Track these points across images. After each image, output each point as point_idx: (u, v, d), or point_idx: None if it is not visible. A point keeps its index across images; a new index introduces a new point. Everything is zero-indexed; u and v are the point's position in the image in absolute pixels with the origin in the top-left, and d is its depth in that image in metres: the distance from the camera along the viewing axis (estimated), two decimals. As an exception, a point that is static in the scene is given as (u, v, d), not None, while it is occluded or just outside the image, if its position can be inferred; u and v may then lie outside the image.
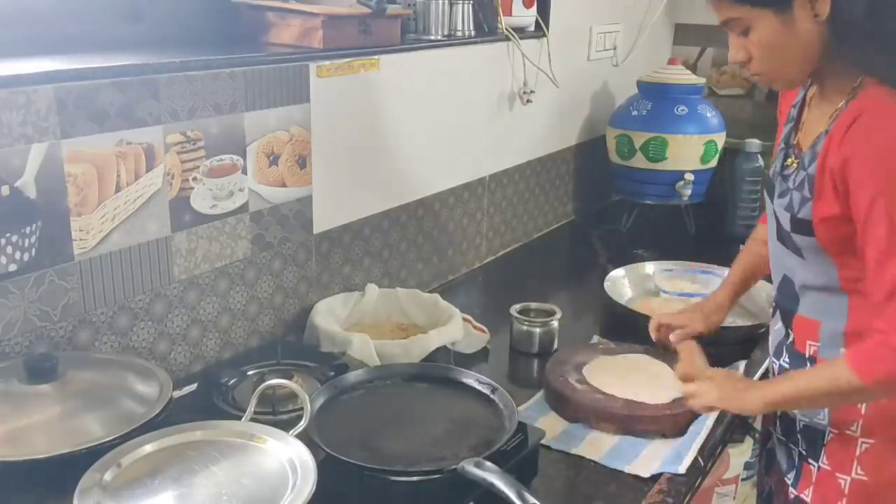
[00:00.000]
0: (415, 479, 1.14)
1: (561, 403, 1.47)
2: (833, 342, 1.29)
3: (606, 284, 1.96)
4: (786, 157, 1.34)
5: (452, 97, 2.04)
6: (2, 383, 1.14)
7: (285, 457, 1.04)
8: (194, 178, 1.44)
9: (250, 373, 1.45)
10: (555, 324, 1.73)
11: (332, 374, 1.40)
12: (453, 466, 1.12)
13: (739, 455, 2.42)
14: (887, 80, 1.17)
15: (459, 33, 2.02)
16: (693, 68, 3.00)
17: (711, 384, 1.35)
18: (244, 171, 1.53)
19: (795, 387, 1.25)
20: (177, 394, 1.26)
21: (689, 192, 2.50)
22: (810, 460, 1.34)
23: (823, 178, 1.21)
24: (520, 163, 2.39)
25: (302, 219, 1.67)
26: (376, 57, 1.76)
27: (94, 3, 1.52)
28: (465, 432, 1.25)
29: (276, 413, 1.29)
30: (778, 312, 1.42)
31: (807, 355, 1.33)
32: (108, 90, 1.28)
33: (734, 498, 2.45)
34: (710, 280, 1.96)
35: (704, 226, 2.59)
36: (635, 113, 2.53)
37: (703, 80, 2.59)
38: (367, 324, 1.76)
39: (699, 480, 1.32)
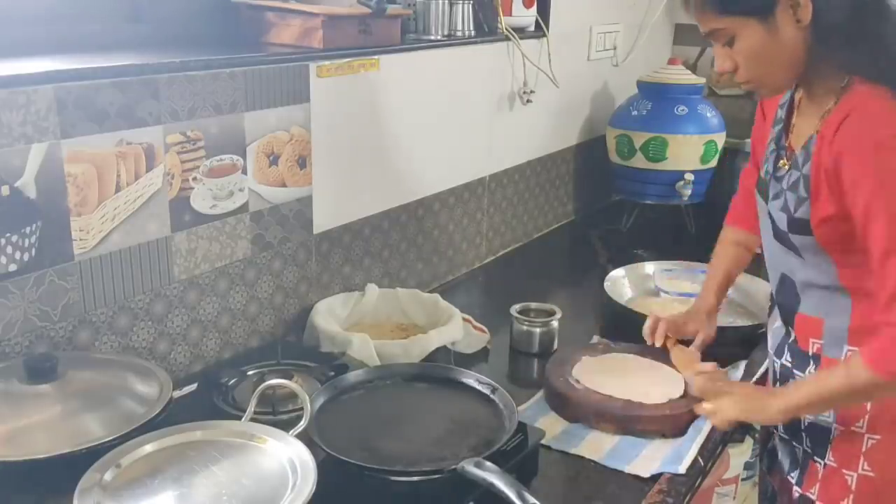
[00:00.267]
0: (415, 479, 1.15)
1: (561, 403, 1.47)
2: (836, 339, 1.29)
3: (606, 284, 1.96)
4: (777, 158, 1.34)
5: (452, 97, 2.04)
6: (2, 383, 1.14)
7: (285, 457, 1.04)
8: (194, 178, 1.44)
9: (250, 373, 1.45)
10: (555, 324, 1.73)
11: (332, 374, 1.40)
12: (453, 466, 1.12)
13: (739, 455, 2.42)
14: (872, 78, 1.18)
15: (459, 33, 2.02)
16: (693, 68, 3.00)
17: (730, 400, 1.35)
18: (244, 171, 1.53)
19: (813, 391, 1.25)
20: (177, 394, 1.26)
21: (689, 192, 2.50)
22: (816, 458, 1.34)
23: (819, 178, 1.21)
24: (520, 163, 2.39)
25: (302, 219, 1.67)
26: (376, 57, 1.76)
27: (94, 4, 1.52)
28: (465, 432, 1.25)
29: (276, 413, 1.29)
30: (777, 311, 1.42)
31: (810, 353, 1.33)
32: (108, 90, 1.28)
33: (734, 498, 2.45)
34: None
35: (704, 226, 2.58)
36: (635, 113, 2.54)
37: (703, 80, 2.59)
38: (367, 324, 1.76)
39: (699, 480, 1.32)
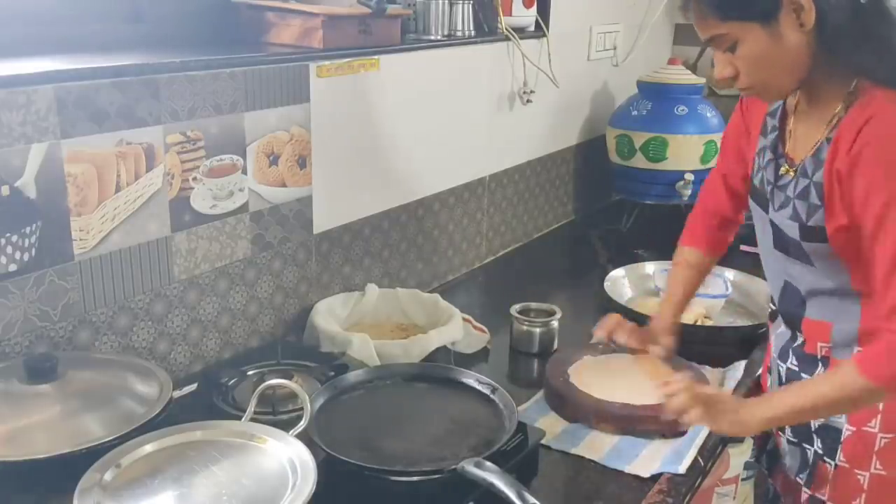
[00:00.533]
0: (415, 479, 1.15)
1: (561, 403, 1.47)
2: (846, 342, 1.28)
3: (606, 284, 1.96)
4: (777, 167, 1.32)
5: (452, 97, 2.04)
6: (2, 383, 1.14)
7: (285, 457, 1.04)
8: (194, 178, 1.44)
9: (250, 373, 1.46)
10: (555, 324, 1.73)
11: (332, 374, 1.40)
12: (453, 466, 1.12)
13: (739, 455, 2.41)
14: (879, 80, 1.17)
15: (459, 33, 2.02)
16: (693, 68, 2.97)
17: (702, 412, 1.23)
18: (244, 171, 1.53)
19: (800, 398, 1.21)
20: (177, 394, 1.26)
21: (689, 192, 2.50)
22: (826, 458, 1.33)
23: (832, 186, 1.20)
24: (520, 163, 2.39)
25: (302, 219, 1.67)
26: (376, 57, 1.76)
27: (94, 4, 1.52)
28: (465, 432, 1.25)
29: (276, 413, 1.29)
30: (780, 318, 1.41)
31: (818, 356, 1.32)
32: (108, 90, 1.28)
33: (734, 498, 2.44)
34: (710, 280, 1.94)
35: (704, 226, 2.58)
36: (635, 113, 2.54)
37: (703, 80, 2.58)
38: (367, 324, 1.76)
39: (699, 480, 1.32)
